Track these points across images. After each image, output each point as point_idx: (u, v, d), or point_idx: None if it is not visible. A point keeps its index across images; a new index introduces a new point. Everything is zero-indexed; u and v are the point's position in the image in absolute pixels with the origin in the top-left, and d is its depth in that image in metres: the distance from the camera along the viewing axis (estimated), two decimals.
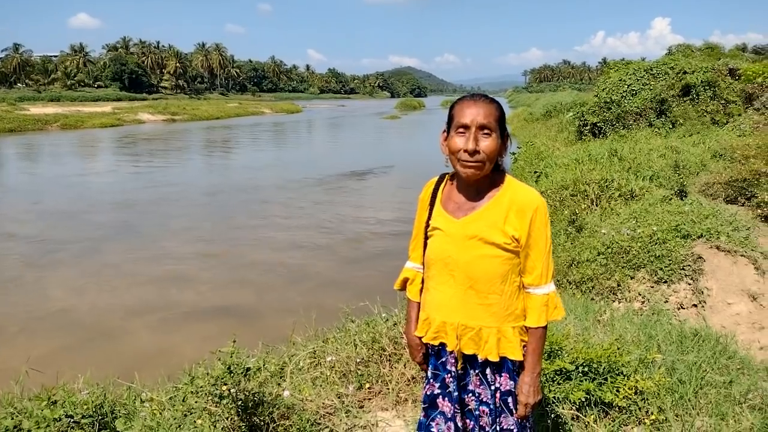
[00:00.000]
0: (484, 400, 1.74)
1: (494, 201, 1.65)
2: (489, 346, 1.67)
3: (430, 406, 1.81)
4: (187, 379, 3.03)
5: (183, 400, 2.40)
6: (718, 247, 5.64)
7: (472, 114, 1.60)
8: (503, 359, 1.70)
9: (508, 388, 1.71)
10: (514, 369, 1.72)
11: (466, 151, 1.60)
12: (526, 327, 1.70)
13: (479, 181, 1.67)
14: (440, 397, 1.78)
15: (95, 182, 16.99)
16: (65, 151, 25.80)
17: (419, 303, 1.88)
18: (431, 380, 1.81)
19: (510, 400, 1.72)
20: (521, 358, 1.69)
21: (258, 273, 8.45)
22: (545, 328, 1.69)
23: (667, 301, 5.36)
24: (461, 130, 1.62)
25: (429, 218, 1.78)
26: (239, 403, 2.24)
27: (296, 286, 7.95)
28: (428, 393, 1.82)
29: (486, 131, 1.60)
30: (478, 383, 1.74)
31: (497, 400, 1.72)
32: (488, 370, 1.72)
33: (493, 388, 1.72)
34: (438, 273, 1.73)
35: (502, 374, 1.71)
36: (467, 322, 1.68)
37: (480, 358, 1.70)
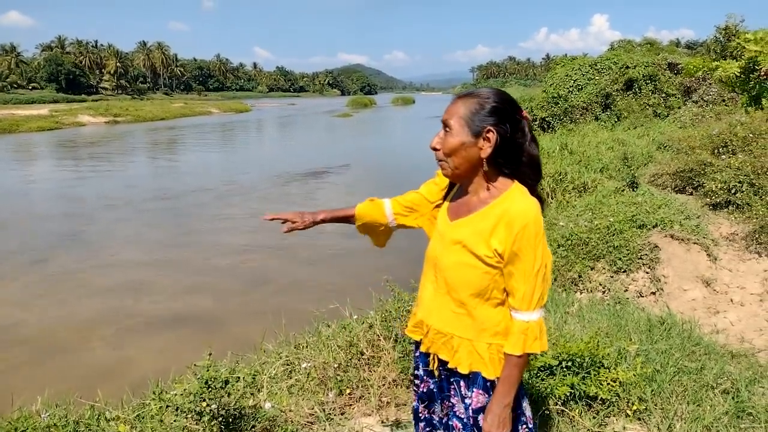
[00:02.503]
0: (458, 414, 1.64)
1: (488, 209, 1.54)
2: (459, 356, 1.58)
3: (429, 401, 1.77)
4: (154, 396, 2.89)
5: (161, 421, 2.26)
6: (672, 236, 5.85)
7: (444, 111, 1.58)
8: (476, 373, 1.58)
9: (480, 405, 1.59)
10: (491, 386, 1.58)
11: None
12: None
13: (470, 184, 1.59)
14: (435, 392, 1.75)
15: (36, 189, 16.13)
16: (1, 157, 24.43)
17: (356, 210, 1.85)
18: (424, 377, 1.76)
19: (481, 418, 1.58)
20: (493, 377, 1.56)
21: (216, 278, 8.21)
22: (521, 357, 1.51)
23: (626, 290, 5.52)
24: None
25: (438, 206, 1.75)
26: (220, 419, 2.14)
27: (257, 289, 7.77)
28: (424, 390, 1.77)
29: (446, 128, 1.55)
30: (453, 393, 1.66)
31: (470, 417, 1.61)
32: (462, 382, 1.61)
33: (466, 402, 1.61)
34: (427, 271, 1.69)
35: (474, 389, 1.59)
36: (441, 328, 1.62)
37: (450, 366, 1.61)
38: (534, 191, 1.55)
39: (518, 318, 1.51)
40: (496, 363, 1.55)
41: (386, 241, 1.92)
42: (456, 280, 1.57)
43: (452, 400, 1.65)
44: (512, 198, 1.52)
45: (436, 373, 1.68)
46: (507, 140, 1.51)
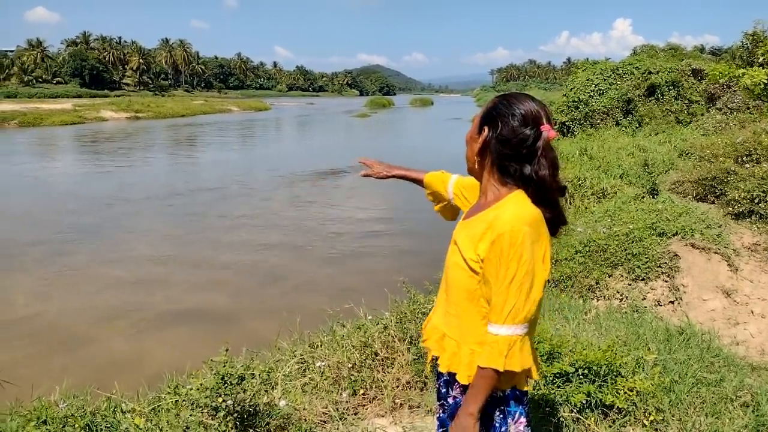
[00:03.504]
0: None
1: (484, 213, 1.53)
2: (446, 355, 1.58)
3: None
4: (170, 389, 2.91)
5: (177, 415, 2.28)
6: (692, 245, 5.76)
7: None
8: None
9: None
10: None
11: None
12: None
13: (481, 182, 1.60)
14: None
15: (57, 182, 16.41)
16: (24, 150, 24.88)
17: (425, 177, 1.95)
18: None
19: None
20: (465, 382, 1.53)
21: (231, 274, 8.28)
22: (487, 370, 1.44)
23: (644, 299, 5.45)
24: None
25: None
26: (235, 415, 2.15)
27: (272, 287, 7.81)
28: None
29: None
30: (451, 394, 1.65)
31: None
32: (457, 385, 1.59)
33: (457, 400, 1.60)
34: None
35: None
36: (438, 324, 1.64)
37: (438, 365, 1.61)
38: (540, 204, 1.48)
39: (489, 329, 1.46)
40: (473, 371, 1.50)
41: (454, 216, 1.92)
42: (451, 281, 1.58)
43: (449, 400, 1.64)
44: (506, 205, 1.49)
45: (429, 369, 1.68)
46: (492, 145, 1.51)
